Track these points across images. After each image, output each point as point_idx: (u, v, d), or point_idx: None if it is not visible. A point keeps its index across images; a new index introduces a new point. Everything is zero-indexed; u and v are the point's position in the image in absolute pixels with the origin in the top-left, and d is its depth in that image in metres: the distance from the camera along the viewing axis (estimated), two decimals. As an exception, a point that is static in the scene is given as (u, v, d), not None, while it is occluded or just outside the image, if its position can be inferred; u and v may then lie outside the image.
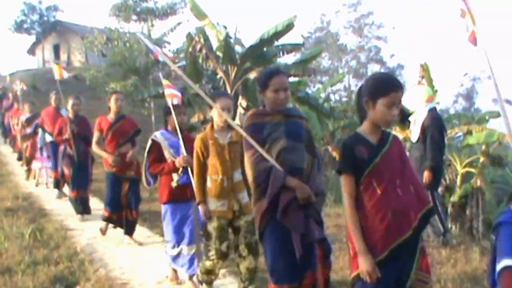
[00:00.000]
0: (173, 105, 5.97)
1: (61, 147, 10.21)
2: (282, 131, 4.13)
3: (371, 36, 58.26)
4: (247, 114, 5.09)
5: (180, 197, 5.77)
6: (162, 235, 7.88)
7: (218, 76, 16.77)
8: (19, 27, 49.74)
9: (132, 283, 5.93)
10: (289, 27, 15.72)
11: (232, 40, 16.95)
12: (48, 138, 11.89)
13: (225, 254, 5.04)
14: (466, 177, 17.42)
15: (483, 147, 17.46)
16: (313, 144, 4.35)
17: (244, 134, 4.15)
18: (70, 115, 9.80)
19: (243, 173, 4.63)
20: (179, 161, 5.72)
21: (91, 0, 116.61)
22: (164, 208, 5.90)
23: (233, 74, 16.07)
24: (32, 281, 5.75)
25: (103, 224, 8.30)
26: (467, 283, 5.71)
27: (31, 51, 51.84)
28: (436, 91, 16.04)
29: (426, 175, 7.18)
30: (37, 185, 13.51)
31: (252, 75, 15.67)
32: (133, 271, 6.37)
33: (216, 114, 5.03)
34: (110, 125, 7.78)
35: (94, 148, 8.09)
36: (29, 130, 13.97)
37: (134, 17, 31.23)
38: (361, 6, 57.46)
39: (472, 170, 17.09)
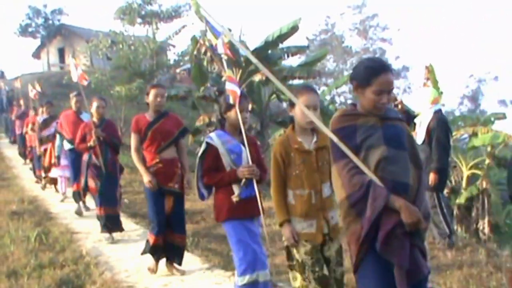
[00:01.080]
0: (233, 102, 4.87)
1: (85, 156, 8.54)
2: (380, 136, 3.36)
3: (376, 38, 58.18)
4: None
5: (243, 214, 4.74)
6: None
7: (223, 79, 16.72)
8: (24, 30, 49.92)
9: (137, 286, 5.93)
10: (293, 29, 15.75)
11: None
12: (67, 146, 10.51)
13: (327, 280, 4.05)
14: (472, 179, 17.39)
15: (489, 148, 17.44)
16: (417, 153, 3.57)
17: (335, 139, 3.30)
18: (95, 119, 8.40)
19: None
20: (242, 171, 4.69)
21: (96, 4, 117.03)
22: (227, 227, 4.87)
23: (237, 77, 16.05)
24: (38, 284, 5.77)
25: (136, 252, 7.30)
26: (472, 286, 5.70)
27: (36, 54, 51.95)
28: (442, 92, 15.99)
29: (431, 177, 7.17)
30: (63, 200, 11.75)
31: (257, 77, 15.68)
32: (138, 274, 6.37)
33: (299, 112, 4.09)
34: (149, 125, 6.39)
35: (134, 156, 6.44)
36: (46, 133, 12.49)
37: (139, 20, 31.23)
38: (366, 8, 57.37)
39: (478, 172, 17.07)
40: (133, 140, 6.44)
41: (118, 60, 24.99)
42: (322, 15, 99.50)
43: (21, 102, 19.36)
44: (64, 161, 11.31)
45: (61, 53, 48.92)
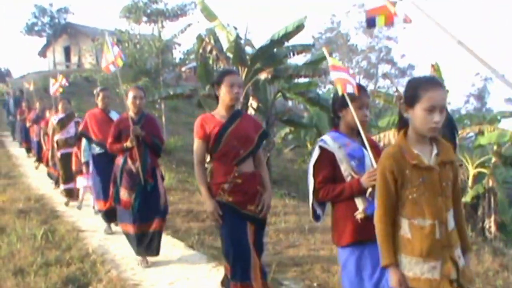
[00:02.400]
0: (348, 95, 3.93)
1: (119, 160, 6.78)
2: None
3: (382, 37, 58.28)
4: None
5: (369, 234, 3.43)
6: (173, 235, 7.95)
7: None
8: (30, 29, 50.07)
9: (144, 284, 5.93)
10: (299, 28, 15.73)
11: (242, 41, 16.97)
12: (96, 150, 8.45)
13: None
14: (478, 177, 17.40)
15: (495, 147, 17.43)
16: None
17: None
18: (132, 113, 6.74)
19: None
20: (368, 179, 3.69)
21: (101, 2, 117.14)
22: (343, 254, 3.88)
23: (243, 75, 16.05)
24: (45, 282, 5.78)
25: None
26: (479, 284, 5.69)
27: (42, 53, 52.10)
28: (448, 91, 15.96)
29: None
30: (80, 207, 10.42)
31: (262, 76, 15.68)
32: (145, 272, 6.37)
33: (420, 114, 3.04)
34: (223, 127, 4.74)
35: (198, 171, 4.82)
36: (64, 135, 10.90)
37: (145, 18, 31.23)
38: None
39: (484, 170, 17.07)
40: (197, 149, 4.81)
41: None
42: (327, 14, 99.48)
43: (37, 104, 16.81)
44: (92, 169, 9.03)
45: (67, 51, 49.07)
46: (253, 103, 15.81)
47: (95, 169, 8.50)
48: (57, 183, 12.45)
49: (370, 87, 54.77)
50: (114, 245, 7.78)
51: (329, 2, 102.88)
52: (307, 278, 5.89)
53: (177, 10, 34.00)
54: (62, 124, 10.95)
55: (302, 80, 17.79)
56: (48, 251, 7.10)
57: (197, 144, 4.80)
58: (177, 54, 28.03)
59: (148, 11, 31.34)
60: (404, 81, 55.32)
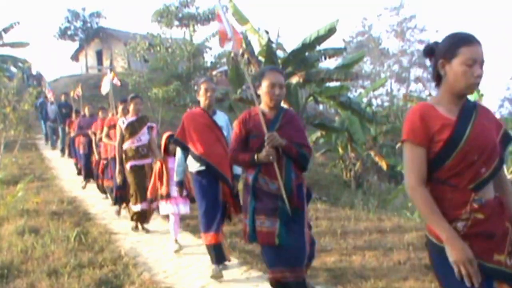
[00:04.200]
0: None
1: (248, 177, 4.72)
2: None
3: (414, 40, 57.71)
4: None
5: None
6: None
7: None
8: (63, 33, 50.56)
9: (176, 287, 5.94)
10: (331, 31, 15.69)
11: (273, 45, 16.98)
12: (194, 167, 6.25)
13: None
14: (512, 183, 17.12)
15: (530, 152, 17.13)
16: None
17: None
18: (265, 108, 4.76)
19: None
20: None
21: (133, 7, 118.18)
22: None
23: (274, 79, 16.04)
24: (78, 284, 5.82)
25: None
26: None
27: (75, 57, 52.58)
28: (482, 95, 15.79)
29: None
30: (177, 251, 7.41)
31: (294, 80, 15.65)
32: (177, 275, 6.38)
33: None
34: (456, 130, 2.99)
35: (421, 196, 2.95)
36: (135, 143, 8.67)
37: (176, 22, 31.50)
38: (403, 10, 56.97)
39: (519, 176, 16.78)
40: (414, 159, 3.01)
41: (155, 62, 25.25)
42: (358, 17, 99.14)
43: (86, 109, 14.87)
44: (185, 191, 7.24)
45: (99, 55, 49.46)
46: (284, 106, 15.79)
47: (199, 192, 6.25)
48: (120, 201, 10.07)
49: (402, 91, 54.34)
50: (147, 247, 7.82)
51: (360, 6, 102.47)
52: (339, 283, 5.84)
53: (209, 14, 34.18)
54: (133, 129, 8.69)
55: (333, 84, 17.73)
56: (81, 253, 7.15)
57: (412, 151, 3.02)
58: (209, 58, 28.21)
59: (180, 15, 31.59)
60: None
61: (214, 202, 6.09)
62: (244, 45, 16.46)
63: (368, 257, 6.77)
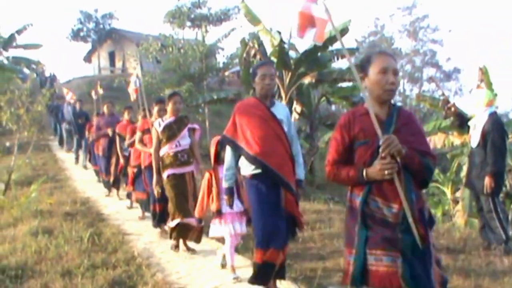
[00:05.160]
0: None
1: (353, 200, 3.70)
2: None
3: (427, 40, 57.52)
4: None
5: None
6: (217, 239, 7.95)
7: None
8: (75, 35, 50.82)
9: (189, 288, 5.95)
10: (343, 31, 15.67)
11: (286, 45, 16.95)
12: (247, 169, 5.22)
13: None
14: (527, 182, 16.98)
15: (545, 152, 17.01)
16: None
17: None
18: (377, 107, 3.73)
19: None
20: None
21: (145, 8, 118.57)
22: None
23: (287, 80, 16.05)
24: (92, 284, 5.83)
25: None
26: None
27: (87, 58, 52.79)
28: (496, 94, 15.71)
29: (487, 181, 7.02)
30: (235, 281, 6.01)
31: (306, 80, 15.63)
32: (190, 276, 6.37)
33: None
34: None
35: None
36: (174, 149, 7.34)
37: (188, 23, 31.48)
38: (416, 9, 56.79)
39: (534, 175, 16.65)
40: None
41: (167, 63, 25.31)
42: (371, 17, 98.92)
43: (105, 108, 13.71)
44: (238, 204, 6.09)
45: (112, 57, 49.63)
46: (297, 107, 15.79)
47: (256, 198, 5.13)
48: (161, 218, 8.47)
49: (415, 91, 54.15)
50: (159, 248, 7.82)
51: (373, 6, 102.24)
52: (353, 284, 5.82)
53: (221, 15, 34.17)
54: (171, 132, 7.40)
55: (346, 84, 17.70)
56: (94, 254, 7.17)
57: None
58: (221, 59, 28.23)
59: (192, 16, 31.58)
60: (449, 85, 54.70)
61: (275, 211, 4.99)
62: (256, 46, 16.47)
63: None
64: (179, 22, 30.23)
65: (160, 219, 8.53)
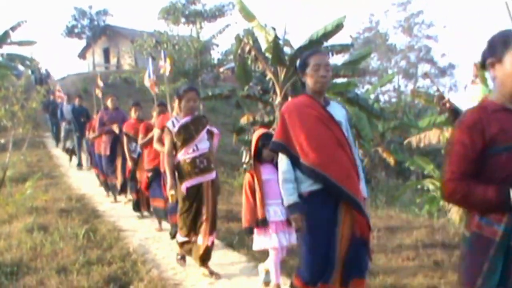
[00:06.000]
0: None
1: (492, 231, 2.72)
2: None
3: (421, 36, 57.70)
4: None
5: None
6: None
7: (267, 78, 16.72)
8: (70, 32, 50.78)
9: (184, 284, 5.95)
10: (338, 27, 15.62)
11: (281, 41, 16.92)
12: (303, 185, 4.15)
13: None
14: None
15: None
16: None
17: None
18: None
19: None
20: None
21: (140, 4, 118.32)
22: None
23: (282, 76, 16.01)
24: (87, 281, 5.82)
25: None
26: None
27: (82, 55, 52.81)
28: (491, 90, 15.73)
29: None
30: None
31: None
32: (185, 272, 6.38)
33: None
34: None
35: None
36: (191, 154, 6.09)
37: (183, 19, 31.52)
38: (410, 5, 56.92)
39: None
40: None
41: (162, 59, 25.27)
42: (366, 13, 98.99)
43: (109, 101, 11.88)
44: (283, 212, 5.12)
45: (106, 53, 49.64)
46: (292, 103, 15.76)
47: (311, 224, 4.09)
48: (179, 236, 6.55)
49: (410, 87, 54.29)
50: (155, 245, 7.84)
51: (367, 2, 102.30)
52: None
53: (215, 11, 34.21)
54: (187, 134, 6.16)
55: (340, 80, 17.69)
56: (90, 250, 7.16)
57: None
58: (216, 55, 28.28)
59: (186, 12, 31.61)
60: (444, 80, 54.77)
61: (330, 239, 4.03)
62: (251, 42, 16.44)
63: (377, 253, 6.76)
64: (174, 18, 30.26)
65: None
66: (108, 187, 12.12)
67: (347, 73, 16.13)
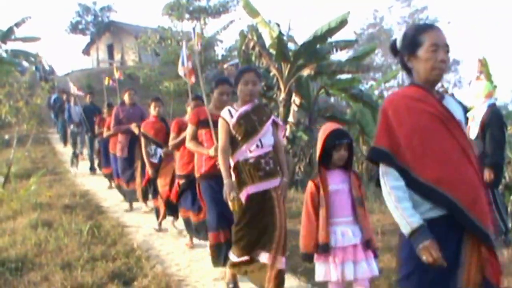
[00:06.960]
0: None
1: None
2: None
3: (425, 32, 57.49)
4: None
5: None
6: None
7: (271, 74, 16.69)
8: (74, 28, 50.89)
9: (188, 280, 5.94)
10: (342, 23, 15.60)
11: (285, 37, 16.90)
12: (418, 209, 2.91)
13: None
14: (526, 174, 17.00)
15: (544, 143, 17.02)
16: None
17: None
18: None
19: None
20: None
21: (144, 0, 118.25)
22: None
23: (286, 72, 16.00)
24: (91, 277, 5.82)
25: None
26: (530, 284, 5.54)
27: (86, 51, 52.79)
28: (496, 86, 15.69)
29: (486, 173, 7.00)
30: None
31: (305, 72, 15.59)
32: (189, 268, 6.39)
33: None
34: None
35: None
36: (254, 152, 4.75)
37: (187, 16, 31.45)
38: (414, 1, 56.78)
39: (532, 167, 16.67)
40: None
41: (166, 55, 25.35)
42: (370, 9, 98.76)
43: (126, 96, 10.41)
44: (344, 235, 4.16)
45: (110, 49, 49.63)
46: (296, 99, 15.73)
47: (421, 268, 2.87)
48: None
49: (413, 83, 54.19)
50: (159, 241, 7.84)
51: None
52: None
53: (219, 7, 34.15)
54: (249, 125, 4.83)
55: (345, 76, 17.68)
56: (94, 246, 7.17)
57: None
58: (220, 51, 28.22)
59: (191, 8, 31.57)
60: (449, 76, 54.63)
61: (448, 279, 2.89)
62: (255, 38, 16.43)
63: (381, 249, 6.75)
64: (178, 14, 30.19)
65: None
66: (124, 193, 10.73)
67: (351, 69, 16.10)
